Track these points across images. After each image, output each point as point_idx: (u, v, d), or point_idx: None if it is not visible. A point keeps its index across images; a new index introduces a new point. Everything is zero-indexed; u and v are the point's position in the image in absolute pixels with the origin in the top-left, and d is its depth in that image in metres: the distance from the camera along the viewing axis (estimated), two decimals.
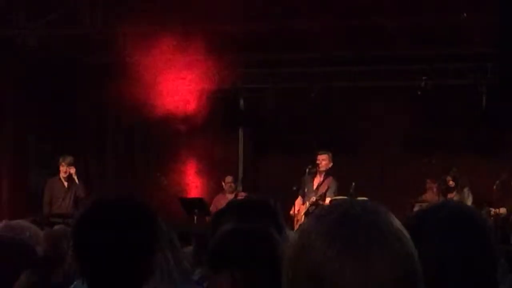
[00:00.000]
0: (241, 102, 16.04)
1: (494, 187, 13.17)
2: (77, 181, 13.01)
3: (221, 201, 13.87)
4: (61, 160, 13.15)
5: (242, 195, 13.69)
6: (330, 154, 13.34)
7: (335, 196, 13.04)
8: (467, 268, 2.05)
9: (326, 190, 12.99)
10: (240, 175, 15.90)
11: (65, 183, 13.14)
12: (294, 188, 12.87)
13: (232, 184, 14.14)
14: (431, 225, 2.07)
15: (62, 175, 13.14)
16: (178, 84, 14.53)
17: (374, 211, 1.57)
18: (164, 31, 12.71)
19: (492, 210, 12.78)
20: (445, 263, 2.03)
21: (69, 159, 13.14)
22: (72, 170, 13.02)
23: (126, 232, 2.54)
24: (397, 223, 1.55)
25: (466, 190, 13.28)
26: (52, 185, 13.21)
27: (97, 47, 14.02)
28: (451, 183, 13.33)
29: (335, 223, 1.50)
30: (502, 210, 12.73)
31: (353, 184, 13.34)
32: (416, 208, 13.15)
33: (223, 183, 14.10)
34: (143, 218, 2.61)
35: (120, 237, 2.53)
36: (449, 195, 13.26)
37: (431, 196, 13.56)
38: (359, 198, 12.81)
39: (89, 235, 2.57)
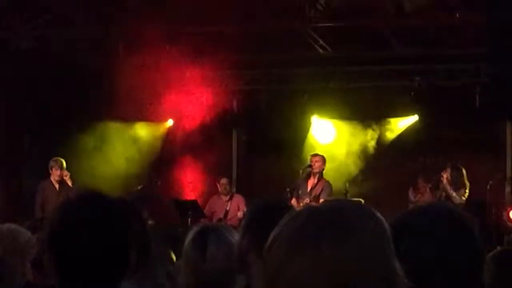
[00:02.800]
0: (234, 103, 16.02)
1: (488, 186, 13.19)
2: (70, 184, 12.97)
3: (216, 203, 13.88)
4: (53, 163, 13.12)
5: (237, 197, 13.70)
6: (324, 157, 13.36)
7: (329, 198, 13.05)
8: (451, 270, 2.03)
9: (320, 192, 13.00)
10: (234, 176, 15.89)
11: (56, 186, 13.12)
12: (288, 190, 12.87)
13: (227, 186, 14.12)
14: (415, 226, 2.06)
15: (55, 178, 13.11)
16: (171, 86, 14.50)
17: (339, 208, 1.56)
18: (154, 31, 12.68)
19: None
20: (427, 266, 2.02)
21: (60, 162, 13.11)
22: (66, 174, 12.99)
23: (99, 230, 2.52)
24: (371, 220, 1.55)
25: (463, 190, 13.25)
26: (43, 188, 13.17)
27: (92, 48, 13.97)
28: (447, 177, 13.30)
29: (292, 227, 1.52)
30: None
31: (347, 185, 13.36)
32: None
33: (217, 185, 14.09)
34: (115, 214, 2.59)
35: (94, 235, 2.51)
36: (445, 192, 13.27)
37: (423, 195, 13.55)
38: (353, 199, 12.89)
39: (61, 236, 2.54)
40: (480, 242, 2.10)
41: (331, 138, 15.39)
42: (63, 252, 2.53)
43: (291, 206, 3.43)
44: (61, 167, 13.07)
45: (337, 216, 1.53)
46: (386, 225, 1.58)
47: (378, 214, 1.59)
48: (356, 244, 1.49)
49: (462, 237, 2.08)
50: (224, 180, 14.14)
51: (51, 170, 13.13)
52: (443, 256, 2.04)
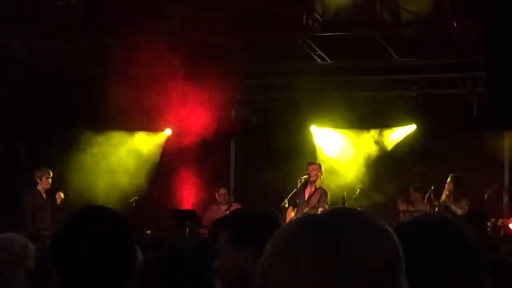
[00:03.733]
0: (232, 112, 16.03)
1: (486, 196, 13.19)
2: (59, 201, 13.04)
3: (214, 213, 13.86)
4: (43, 173, 13.18)
5: (236, 207, 13.67)
6: (320, 165, 13.38)
7: (328, 206, 13.06)
8: (450, 283, 2.02)
9: (318, 201, 13.01)
10: (232, 186, 15.88)
11: (44, 195, 13.19)
12: (286, 199, 12.88)
13: (226, 196, 14.14)
14: (411, 238, 2.04)
15: (44, 186, 13.17)
16: (169, 96, 14.52)
17: (339, 216, 1.56)
18: (153, 41, 12.69)
19: (500, 221, 12.79)
20: (426, 278, 2.00)
21: (48, 171, 13.20)
22: (60, 197, 13.08)
23: (102, 242, 2.57)
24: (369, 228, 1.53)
25: (463, 200, 13.25)
26: (32, 199, 13.21)
27: (89, 60, 13.98)
28: (449, 190, 13.31)
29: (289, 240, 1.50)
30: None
31: (344, 194, 13.36)
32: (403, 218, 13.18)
33: (216, 195, 14.09)
34: (117, 228, 2.62)
35: (96, 247, 2.55)
36: (445, 202, 13.28)
37: (420, 204, 13.54)
38: (350, 208, 12.88)
39: (66, 249, 2.58)
40: (480, 252, 2.09)
41: (328, 147, 15.40)
42: (66, 263, 2.57)
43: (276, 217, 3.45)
44: (49, 176, 13.18)
45: (330, 228, 1.52)
46: (394, 238, 1.55)
47: (384, 226, 1.56)
48: (349, 258, 1.46)
49: (461, 248, 2.07)
50: (223, 190, 14.15)
51: (41, 179, 13.18)
52: (442, 268, 2.03)
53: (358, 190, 13.97)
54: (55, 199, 13.07)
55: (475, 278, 2.05)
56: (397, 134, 15.10)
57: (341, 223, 1.53)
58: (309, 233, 1.50)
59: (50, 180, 13.17)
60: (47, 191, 13.17)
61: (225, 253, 3.23)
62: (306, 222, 1.55)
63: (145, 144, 15.52)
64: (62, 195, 13.15)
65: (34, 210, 13.04)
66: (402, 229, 2.09)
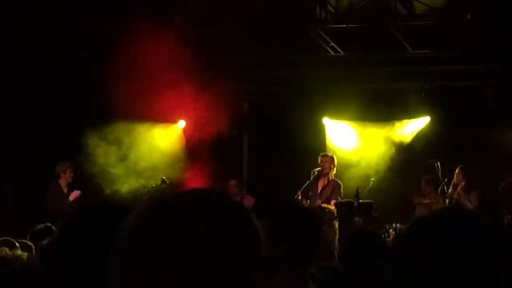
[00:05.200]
0: (245, 104, 16.01)
1: (500, 188, 13.15)
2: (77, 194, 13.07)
3: None
4: (67, 166, 13.19)
5: (249, 199, 13.60)
6: (333, 157, 13.35)
7: (340, 199, 13.05)
8: (470, 278, 1.99)
9: (331, 193, 12.99)
10: (245, 178, 15.87)
11: (65, 190, 13.20)
12: (299, 191, 12.87)
13: (236, 188, 14.13)
14: (431, 234, 2.00)
15: (68, 180, 13.18)
16: (182, 87, 14.50)
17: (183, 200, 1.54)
18: (164, 32, 12.65)
19: None
20: (447, 276, 1.97)
21: (69, 165, 13.23)
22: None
23: (111, 240, 2.54)
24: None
25: (473, 193, 13.23)
26: (54, 192, 13.22)
27: (101, 50, 13.93)
28: (457, 179, 13.29)
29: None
30: None
31: (357, 187, 13.33)
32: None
33: (227, 188, 14.10)
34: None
35: (107, 244, 2.52)
36: (454, 195, 13.23)
37: (432, 197, 13.52)
38: (363, 201, 12.88)
39: (75, 243, 2.56)
40: (501, 246, 2.06)
41: (341, 140, 15.37)
42: (73, 259, 2.54)
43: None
44: (71, 169, 13.19)
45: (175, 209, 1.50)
46: (245, 230, 1.51)
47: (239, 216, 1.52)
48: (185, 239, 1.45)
49: (480, 242, 2.04)
50: (233, 182, 14.15)
51: (64, 173, 13.18)
52: (461, 263, 2.00)
53: (370, 183, 13.94)
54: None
55: (494, 277, 2.03)
56: (412, 126, 15.06)
57: (185, 206, 1.51)
58: (150, 214, 1.51)
59: (72, 174, 13.21)
60: (69, 185, 13.21)
61: None
62: (153, 204, 1.55)
63: (157, 135, 15.48)
64: (77, 194, 13.11)
65: (54, 203, 13.08)
66: (416, 227, 2.06)
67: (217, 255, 1.45)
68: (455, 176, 13.46)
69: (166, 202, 1.53)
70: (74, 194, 13.08)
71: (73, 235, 2.58)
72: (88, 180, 13.95)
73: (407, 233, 1.99)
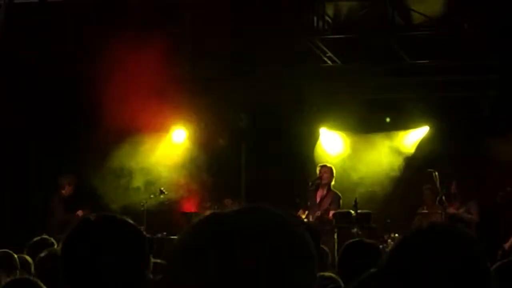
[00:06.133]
0: (243, 115, 16.00)
1: (497, 198, 13.14)
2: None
3: None
4: (69, 179, 13.26)
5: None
6: (332, 167, 13.35)
7: (339, 209, 13.04)
8: None
9: (330, 204, 12.99)
10: (243, 188, 15.84)
11: (62, 203, 13.27)
12: (297, 201, 12.86)
13: (232, 206, 14.12)
14: (415, 253, 2.01)
15: (70, 192, 13.26)
16: (178, 98, 14.51)
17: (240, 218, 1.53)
18: (155, 42, 12.63)
19: None
20: None
21: (72, 177, 13.28)
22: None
23: (114, 251, 2.54)
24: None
25: (472, 203, 13.24)
26: (54, 204, 13.29)
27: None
28: (454, 189, 13.30)
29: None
30: None
31: (356, 197, 13.32)
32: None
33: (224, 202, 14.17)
34: (130, 237, 2.61)
35: (109, 256, 2.53)
36: (452, 208, 13.22)
37: (431, 207, 13.54)
38: (362, 211, 12.87)
39: (77, 255, 2.57)
40: (484, 261, 2.07)
41: (340, 150, 15.37)
42: (76, 269, 2.54)
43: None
44: (73, 183, 13.27)
45: (233, 226, 1.50)
46: (302, 241, 1.52)
47: (295, 229, 1.53)
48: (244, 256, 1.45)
49: (463, 260, 2.05)
50: (228, 201, 14.17)
51: (69, 184, 13.28)
52: (443, 280, 2.01)
53: (369, 193, 13.98)
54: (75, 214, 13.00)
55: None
56: (411, 137, 15.07)
57: (244, 221, 1.51)
58: (209, 230, 1.49)
59: (73, 187, 13.31)
60: (70, 197, 13.29)
61: None
62: (209, 219, 1.53)
63: (156, 146, 15.46)
64: (81, 213, 13.04)
65: (49, 214, 13.15)
66: (406, 243, 2.07)
67: (278, 276, 1.45)
68: (453, 186, 13.47)
69: (227, 221, 1.52)
70: (80, 213, 13.08)
71: (77, 248, 2.59)
72: (88, 193, 13.97)
73: (393, 251, 2.01)
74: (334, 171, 13.36)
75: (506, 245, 12.38)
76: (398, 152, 14.97)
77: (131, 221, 2.68)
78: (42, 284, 3.63)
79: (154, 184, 14.79)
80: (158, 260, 5.29)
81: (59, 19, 13.00)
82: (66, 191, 13.39)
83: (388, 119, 14.86)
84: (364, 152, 15.10)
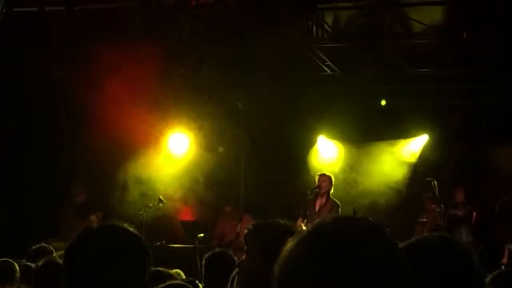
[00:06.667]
0: (242, 123, 16.01)
1: (496, 207, 13.14)
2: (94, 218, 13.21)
3: (225, 225, 13.87)
4: (79, 187, 13.46)
5: (247, 218, 13.43)
6: (331, 176, 13.33)
7: None
8: None
9: (329, 212, 12.96)
10: (242, 194, 15.82)
11: (75, 209, 13.46)
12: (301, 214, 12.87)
13: (233, 212, 14.13)
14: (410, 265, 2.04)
15: (80, 202, 13.45)
16: (178, 106, 14.53)
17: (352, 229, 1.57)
18: (159, 51, 12.65)
19: None
20: None
21: (81, 188, 13.50)
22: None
23: (116, 260, 2.56)
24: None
25: (468, 206, 13.30)
26: (66, 211, 13.53)
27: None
28: (460, 196, 13.35)
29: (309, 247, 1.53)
30: None
31: (355, 205, 13.31)
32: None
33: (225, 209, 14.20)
34: (132, 246, 2.62)
35: (111, 266, 2.54)
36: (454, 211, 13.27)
37: (431, 215, 13.54)
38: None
39: (79, 264, 2.59)
40: (480, 271, 2.09)
41: (339, 159, 15.36)
42: (77, 277, 2.56)
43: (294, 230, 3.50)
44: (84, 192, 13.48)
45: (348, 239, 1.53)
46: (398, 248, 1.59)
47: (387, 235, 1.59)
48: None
49: (459, 269, 2.07)
50: (228, 209, 14.18)
51: (80, 194, 13.50)
52: None
53: (367, 202, 13.99)
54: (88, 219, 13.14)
55: None
56: (411, 145, 15.08)
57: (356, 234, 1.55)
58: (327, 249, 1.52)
59: (86, 195, 13.54)
60: (82, 205, 13.46)
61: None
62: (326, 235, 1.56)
63: (156, 155, 15.46)
64: (94, 218, 13.21)
65: (61, 221, 13.38)
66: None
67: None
68: (457, 194, 13.52)
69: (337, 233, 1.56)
70: (94, 218, 13.21)
71: (78, 256, 2.61)
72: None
73: None
74: (333, 179, 13.33)
75: (504, 260, 12.40)
76: (398, 161, 14.97)
77: (131, 229, 2.69)
78: None
79: (152, 193, 14.76)
80: (159, 268, 5.31)
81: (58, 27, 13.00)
82: (79, 198, 13.70)
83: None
84: (363, 160, 15.11)
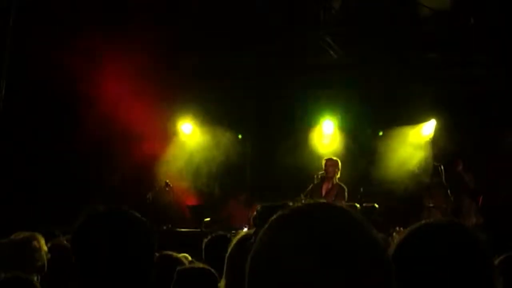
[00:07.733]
0: (250, 104, 16.02)
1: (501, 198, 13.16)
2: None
3: (235, 207, 13.97)
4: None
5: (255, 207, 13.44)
6: (338, 160, 13.32)
7: (345, 202, 13.01)
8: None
9: (335, 197, 12.96)
10: (248, 181, 15.86)
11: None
12: (303, 195, 12.84)
13: (245, 200, 14.21)
14: (421, 249, 2.04)
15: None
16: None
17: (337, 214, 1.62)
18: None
19: None
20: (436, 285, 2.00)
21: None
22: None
23: (120, 243, 2.58)
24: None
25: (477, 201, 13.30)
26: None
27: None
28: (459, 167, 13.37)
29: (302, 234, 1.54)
30: None
31: (361, 189, 13.31)
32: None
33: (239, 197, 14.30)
34: (136, 228, 2.64)
35: (115, 248, 2.56)
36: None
37: (439, 201, 13.54)
38: (366, 204, 12.87)
39: (84, 247, 2.61)
40: (489, 254, 2.10)
41: (345, 144, 15.34)
42: (86, 259, 2.58)
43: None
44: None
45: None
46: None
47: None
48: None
49: (468, 252, 2.08)
50: (242, 197, 14.29)
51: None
52: (451, 275, 2.03)
53: (375, 186, 13.99)
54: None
55: (487, 281, 2.05)
56: (418, 130, 15.06)
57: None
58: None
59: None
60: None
61: None
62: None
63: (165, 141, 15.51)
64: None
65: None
66: (412, 236, 2.09)
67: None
68: (458, 165, 13.53)
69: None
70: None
71: (84, 240, 2.64)
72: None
73: (399, 243, 2.04)
74: (340, 164, 13.32)
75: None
76: (405, 145, 14.95)
77: (136, 213, 2.71)
78: (37, 284, 3.68)
79: (159, 178, 14.81)
80: (167, 252, 5.33)
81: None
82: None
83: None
84: (370, 145, 15.09)
